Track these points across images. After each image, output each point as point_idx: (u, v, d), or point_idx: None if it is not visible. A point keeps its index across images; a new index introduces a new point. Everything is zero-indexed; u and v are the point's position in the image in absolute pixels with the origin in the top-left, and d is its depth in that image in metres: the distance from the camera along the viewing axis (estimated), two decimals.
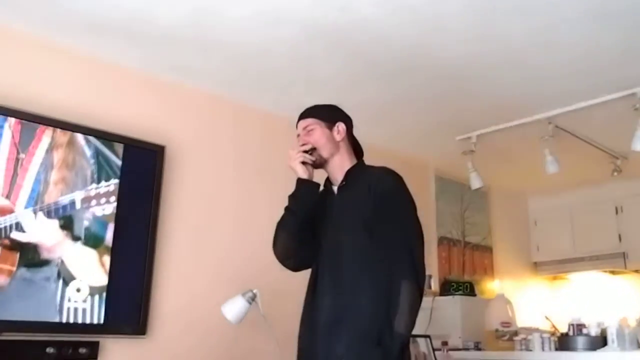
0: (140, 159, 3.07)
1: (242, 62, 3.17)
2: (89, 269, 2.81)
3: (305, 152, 2.17)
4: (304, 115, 2.28)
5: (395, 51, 3.04)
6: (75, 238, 2.80)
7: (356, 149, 2.31)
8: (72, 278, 2.75)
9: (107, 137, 2.96)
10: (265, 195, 3.50)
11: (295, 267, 2.26)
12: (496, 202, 5.46)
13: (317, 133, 2.21)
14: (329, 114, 2.27)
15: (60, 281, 2.71)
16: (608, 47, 3.01)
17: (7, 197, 2.63)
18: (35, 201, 2.70)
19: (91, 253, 2.83)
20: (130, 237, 2.98)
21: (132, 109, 3.16)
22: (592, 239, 5.30)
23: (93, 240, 2.85)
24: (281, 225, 2.17)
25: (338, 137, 2.22)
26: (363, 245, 2.04)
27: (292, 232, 2.14)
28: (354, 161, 2.25)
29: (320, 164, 2.21)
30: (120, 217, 2.94)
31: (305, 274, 3.19)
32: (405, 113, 3.84)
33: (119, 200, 2.95)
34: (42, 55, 2.91)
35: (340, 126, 2.24)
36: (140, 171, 3.07)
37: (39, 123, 2.77)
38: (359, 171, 2.21)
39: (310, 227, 2.16)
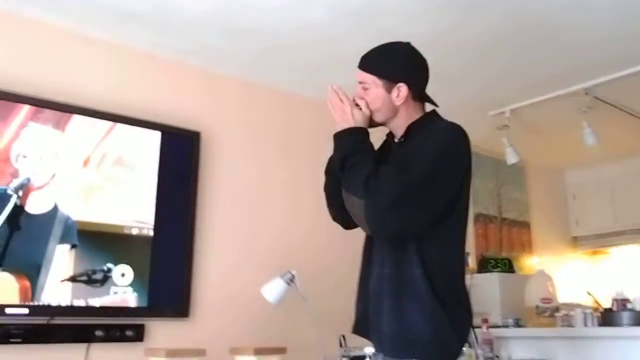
0: (176, 146, 3.11)
1: (271, 46, 3.17)
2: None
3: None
4: (363, 65, 1.86)
5: (421, 27, 2.98)
6: None
7: (427, 104, 1.92)
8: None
9: (143, 125, 3.01)
10: (300, 177, 3.52)
11: (345, 225, 1.97)
12: (533, 177, 5.39)
13: (372, 94, 1.82)
14: (392, 71, 1.83)
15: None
16: None
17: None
18: None
19: None
20: (171, 222, 3.03)
21: (166, 97, 3.20)
22: (633, 212, 5.18)
23: None
24: (324, 187, 1.98)
25: (397, 102, 1.82)
26: None
27: (330, 192, 1.94)
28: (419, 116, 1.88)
29: (375, 125, 1.86)
30: (160, 203, 2.99)
31: (339, 255, 3.22)
32: (433, 90, 3.75)
33: (158, 187, 3.00)
34: (75, 47, 2.95)
35: (402, 89, 1.80)
36: (177, 157, 3.11)
37: (77, 114, 2.81)
38: (421, 125, 1.84)
39: None
